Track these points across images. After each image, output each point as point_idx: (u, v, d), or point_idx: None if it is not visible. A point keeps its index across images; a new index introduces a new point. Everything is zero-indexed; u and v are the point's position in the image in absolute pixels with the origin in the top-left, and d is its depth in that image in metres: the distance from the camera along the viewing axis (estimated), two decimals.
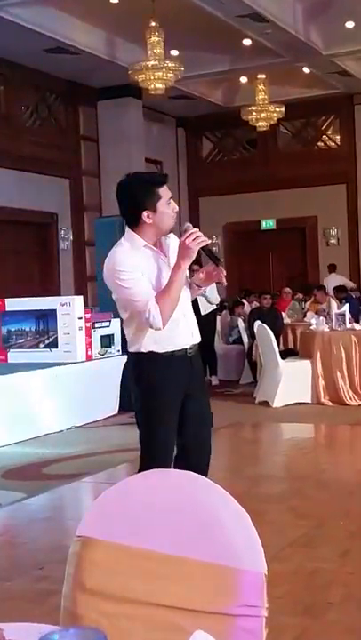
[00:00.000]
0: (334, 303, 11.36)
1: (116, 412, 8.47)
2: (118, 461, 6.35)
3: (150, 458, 3.35)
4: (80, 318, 8.13)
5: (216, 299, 9.06)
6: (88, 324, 8.21)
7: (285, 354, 9.71)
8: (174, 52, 12.01)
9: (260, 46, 12.01)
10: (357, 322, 9.78)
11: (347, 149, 15.74)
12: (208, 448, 3.50)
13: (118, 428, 7.86)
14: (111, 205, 13.76)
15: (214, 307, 9.78)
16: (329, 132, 16.28)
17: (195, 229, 3.26)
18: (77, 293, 11.36)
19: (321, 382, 8.91)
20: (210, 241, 3.28)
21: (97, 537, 1.57)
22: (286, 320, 11.14)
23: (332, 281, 14.15)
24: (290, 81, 14.17)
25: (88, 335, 8.20)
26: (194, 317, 3.47)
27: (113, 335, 8.50)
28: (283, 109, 13.60)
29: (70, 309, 8.11)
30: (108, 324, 8.43)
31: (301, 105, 14.91)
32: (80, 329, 8.12)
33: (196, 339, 3.44)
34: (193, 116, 16.01)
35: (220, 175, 16.13)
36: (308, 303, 12.18)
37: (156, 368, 3.34)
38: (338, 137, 16.09)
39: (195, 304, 3.56)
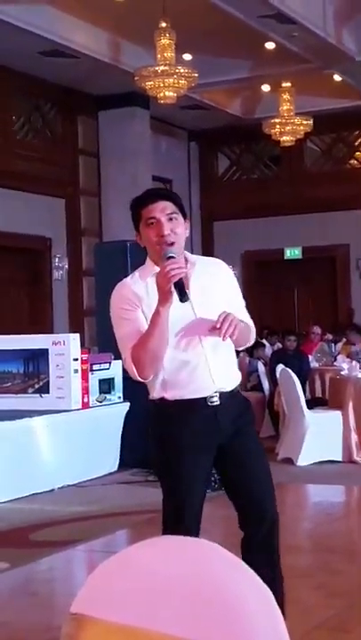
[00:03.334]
0: None
1: (116, 468, 8.44)
2: (118, 527, 6.32)
3: (164, 525, 3.32)
4: (76, 360, 8.13)
5: None
6: (85, 367, 8.21)
7: (313, 403, 9.68)
8: (187, 57, 12.15)
9: (285, 51, 12.14)
10: None
11: None
12: (266, 514, 3.38)
13: (118, 487, 7.83)
14: (113, 229, 13.94)
15: None
16: None
17: (169, 262, 3.14)
18: (73, 331, 11.37)
19: (354, 437, 8.88)
20: (183, 272, 3.14)
21: (95, 615, 1.55)
22: (314, 364, 11.13)
23: None
24: (319, 90, 14.30)
25: (85, 379, 8.20)
26: (226, 360, 3.38)
27: (113, 379, 8.49)
28: (311, 122, 13.70)
29: (64, 349, 8.12)
30: (107, 366, 8.43)
31: (332, 117, 15.03)
32: (75, 372, 8.12)
33: (222, 385, 3.34)
34: (208, 128, 16.15)
35: (239, 196, 16.23)
36: (340, 345, 12.17)
37: (166, 418, 3.33)
38: None
39: None
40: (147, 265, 3.34)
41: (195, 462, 3.28)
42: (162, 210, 3.25)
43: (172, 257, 3.15)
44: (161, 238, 3.22)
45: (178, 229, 3.26)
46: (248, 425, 3.46)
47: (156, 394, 3.33)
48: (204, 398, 3.28)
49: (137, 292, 3.26)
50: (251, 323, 3.44)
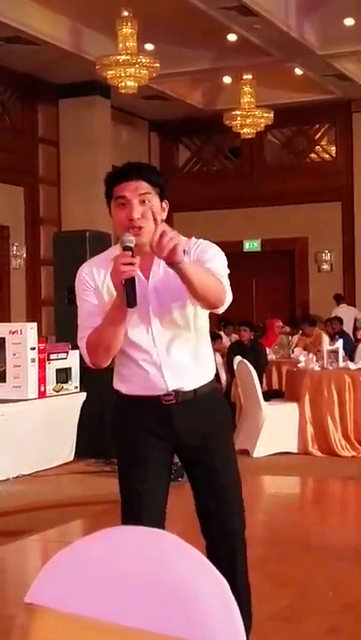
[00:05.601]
0: (326, 338, 11.42)
1: (72, 458, 8.41)
2: (73, 517, 6.30)
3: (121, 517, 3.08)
4: (33, 349, 8.09)
5: None
6: (42, 356, 8.17)
7: (269, 395, 9.72)
8: (149, 47, 12.12)
9: (246, 43, 12.15)
10: (351, 360, 9.84)
11: (343, 162, 15.92)
12: (225, 532, 3.15)
13: (74, 477, 7.80)
14: (72, 218, 13.88)
15: None
16: (323, 143, 16.47)
17: (121, 255, 2.81)
18: (30, 320, 11.31)
19: (309, 429, 8.92)
20: (134, 272, 2.80)
21: (49, 606, 1.55)
22: (271, 356, 11.17)
23: (343, 313, 14.18)
24: (280, 83, 14.34)
25: (42, 368, 8.16)
26: (186, 357, 3.05)
27: (70, 369, 8.46)
28: (271, 115, 13.74)
29: (22, 338, 8.07)
30: (65, 355, 8.39)
31: (292, 111, 15.08)
32: (32, 361, 8.07)
33: (182, 384, 3.03)
34: (168, 119, 16.13)
35: (198, 188, 16.23)
36: (296, 337, 12.23)
37: (121, 411, 3.14)
38: (333, 148, 16.28)
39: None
40: (118, 246, 2.98)
41: (142, 456, 3.05)
42: (134, 190, 2.94)
43: (130, 248, 2.83)
44: (130, 222, 2.92)
45: (149, 214, 2.92)
46: (218, 430, 3.15)
47: (114, 384, 3.14)
48: (158, 396, 3.02)
49: (95, 274, 3.01)
50: (226, 282, 3.08)
